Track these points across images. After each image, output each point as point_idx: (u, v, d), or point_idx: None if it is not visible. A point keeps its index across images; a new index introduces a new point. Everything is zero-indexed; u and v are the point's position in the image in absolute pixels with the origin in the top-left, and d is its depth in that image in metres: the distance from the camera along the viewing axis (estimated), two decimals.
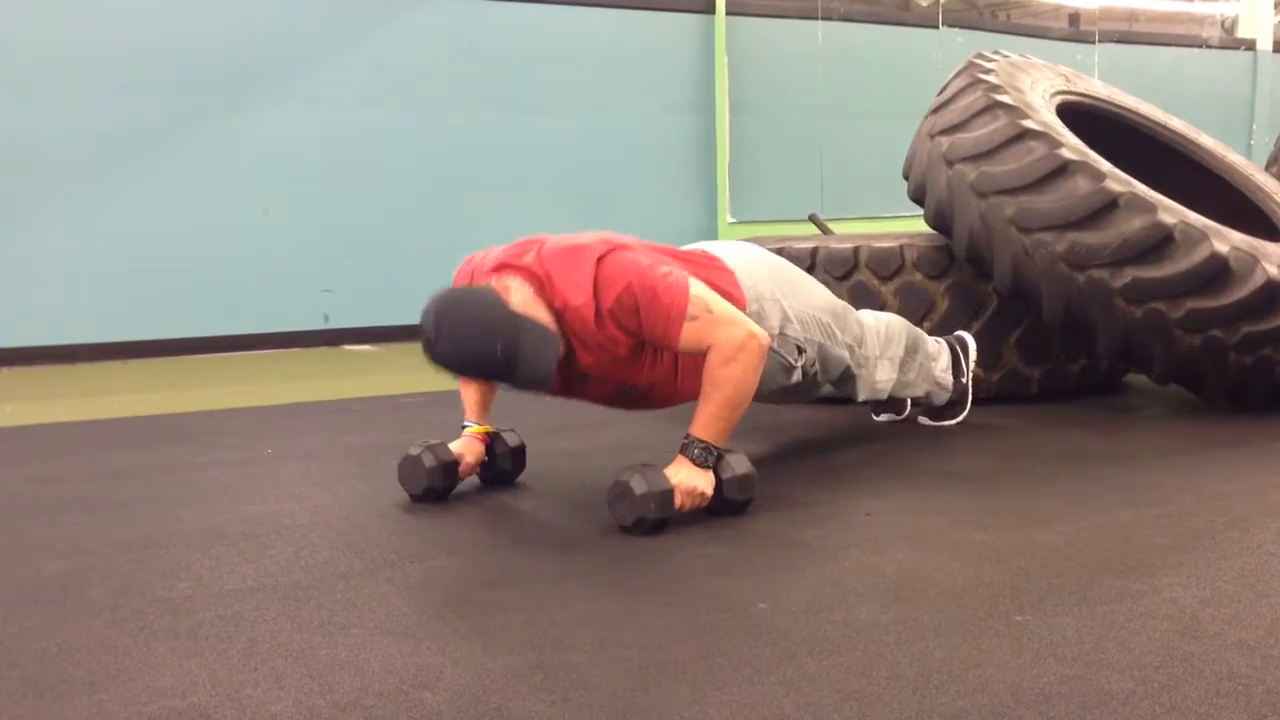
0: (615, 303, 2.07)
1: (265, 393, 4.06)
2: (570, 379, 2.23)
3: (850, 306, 2.70)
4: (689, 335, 2.09)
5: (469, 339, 2.02)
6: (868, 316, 2.76)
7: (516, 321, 2.02)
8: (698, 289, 2.12)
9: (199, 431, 3.23)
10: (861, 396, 2.71)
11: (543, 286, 2.10)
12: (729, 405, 2.09)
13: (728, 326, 2.09)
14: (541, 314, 2.08)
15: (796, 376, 2.47)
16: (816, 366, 2.53)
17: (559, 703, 1.31)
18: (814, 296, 2.55)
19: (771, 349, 2.31)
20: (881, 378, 2.73)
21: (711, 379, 2.09)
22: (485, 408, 2.42)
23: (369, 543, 2.02)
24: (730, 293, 2.31)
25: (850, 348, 2.60)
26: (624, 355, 2.16)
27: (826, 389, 2.67)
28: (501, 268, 2.14)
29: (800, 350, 2.45)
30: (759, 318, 2.34)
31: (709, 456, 2.09)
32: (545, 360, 2.04)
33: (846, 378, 2.64)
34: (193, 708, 1.32)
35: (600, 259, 2.09)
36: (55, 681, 1.41)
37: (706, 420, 2.09)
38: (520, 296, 2.08)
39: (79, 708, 1.32)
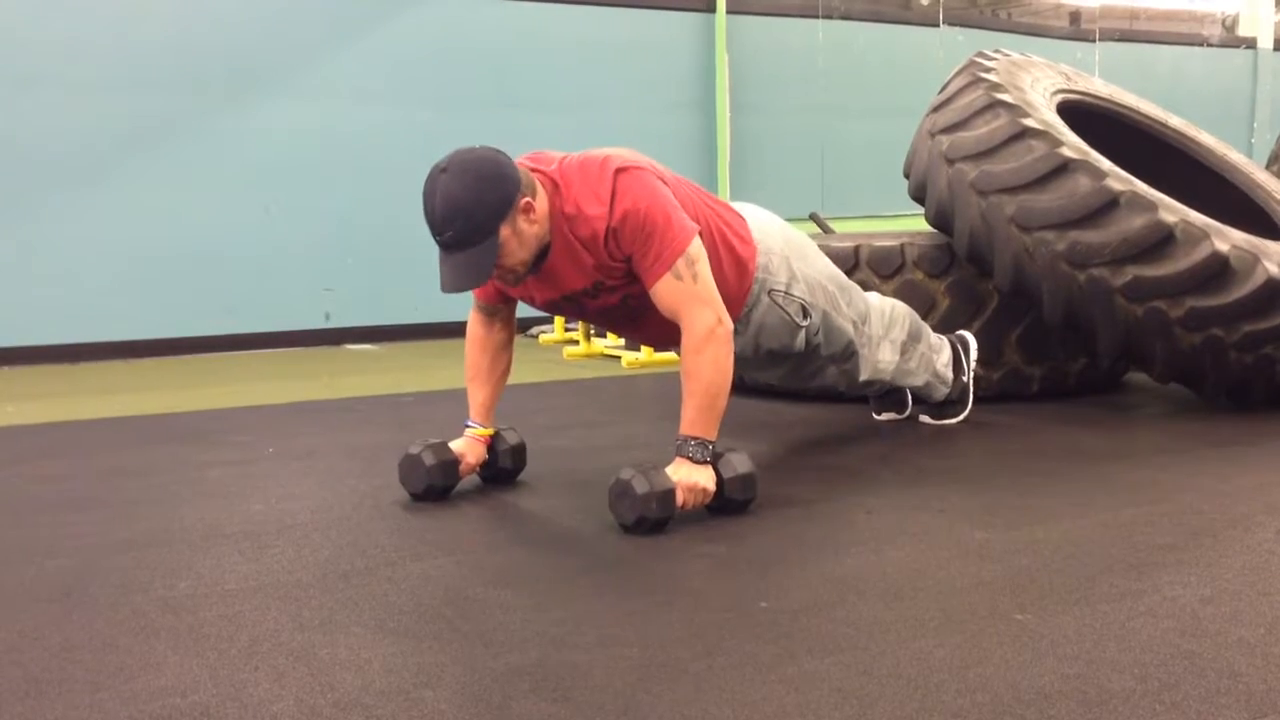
0: (620, 220, 2.09)
1: (266, 392, 4.06)
2: (566, 295, 2.24)
3: (856, 285, 2.72)
4: (665, 290, 2.11)
5: (481, 178, 2.05)
6: (873, 298, 2.78)
7: (516, 190, 2.06)
8: (697, 248, 2.13)
9: (200, 431, 3.23)
10: (863, 376, 2.71)
11: (557, 191, 2.14)
12: (709, 396, 2.10)
13: (700, 305, 2.11)
14: (546, 224, 2.12)
15: (800, 340, 2.48)
16: (820, 337, 2.53)
17: (560, 701, 1.31)
18: (822, 265, 2.58)
19: (776, 302, 2.39)
20: (884, 359, 2.74)
21: (686, 373, 2.11)
22: (491, 410, 2.41)
23: (370, 542, 2.02)
24: (740, 234, 2.36)
25: (855, 323, 2.62)
26: (619, 279, 2.19)
27: (831, 372, 2.67)
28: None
29: (805, 312, 2.46)
30: (766, 270, 2.39)
31: (705, 451, 2.09)
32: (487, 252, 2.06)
33: (849, 354, 2.64)
34: (194, 706, 1.32)
35: (620, 171, 2.11)
36: (57, 680, 1.41)
37: (693, 416, 2.10)
38: (541, 196, 2.12)
39: (80, 706, 1.33)
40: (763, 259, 2.40)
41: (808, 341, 2.50)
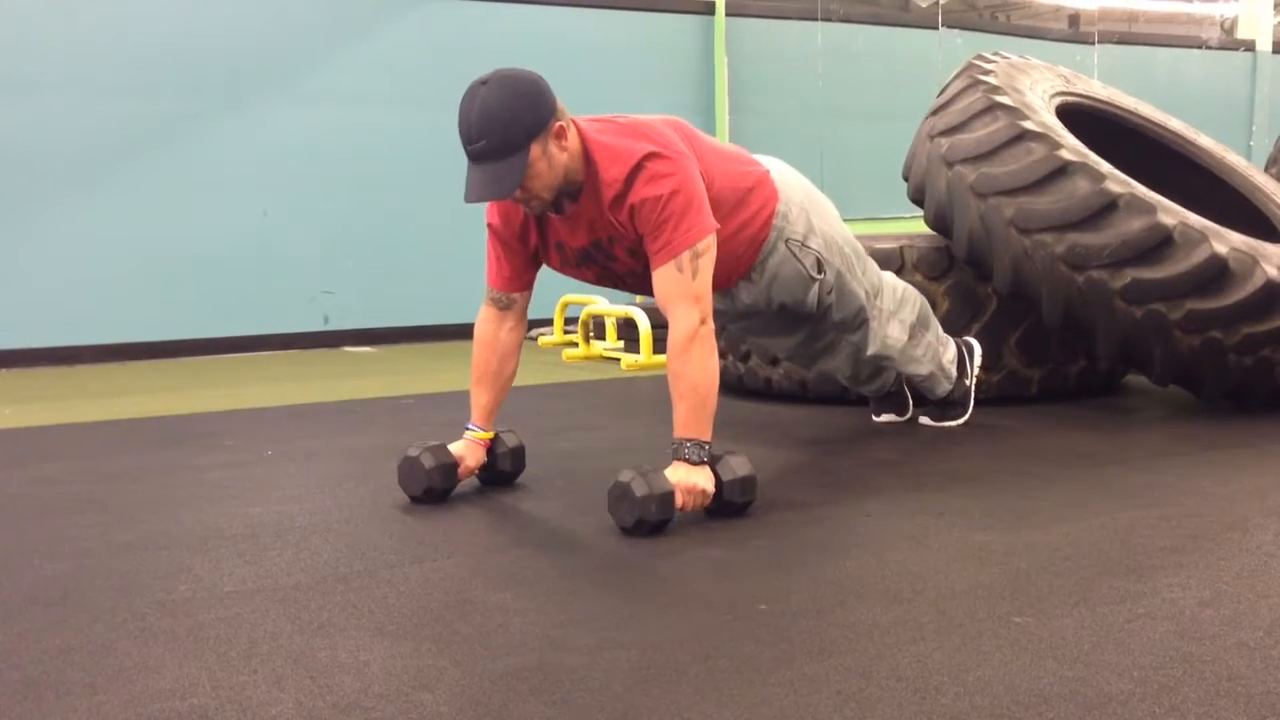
0: (640, 202, 2.10)
1: (265, 394, 4.06)
2: (595, 241, 2.24)
3: (872, 260, 2.73)
4: (664, 277, 2.13)
5: (520, 94, 2.06)
6: (887, 275, 2.81)
7: (551, 114, 2.08)
8: (706, 245, 2.14)
9: (199, 433, 3.23)
10: (871, 349, 2.71)
11: (590, 143, 2.15)
12: (699, 396, 2.10)
13: (689, 304, 2.11)
14: (577, 161, 2.13)
15: (813, 296, 2.49)
16: (833, 297, 2.54)
17: (559, 704, 1.31)
18: (840, 228, 2.59)
19: (792, 251, 2.41)
20: (893, 335, 2.75)
21: (673, 375, 2.12)
22: (493, 414, 2.41)
23: (369, 544, 2.02)
24: (760, 179, 2.38)
25: (867, 292, 2.64)
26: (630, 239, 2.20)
27: (841, 348, 2.68)
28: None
29: (820, 266, 2.47)
30: (785, 218, 2.41)
31: (701, 452, 2.10)
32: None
33: (860, 322, 2.65)
34: (193, 709, 1.32)
35: (654, 155, 2.12)
36: (55, 683, 1.41)
37: (685, 420, 2.11)
38: (574, 133, 2.13)
39: (79, 709, 1.32)
40: (782, 207, 2.42)
41: (820, 300, 2.51)
